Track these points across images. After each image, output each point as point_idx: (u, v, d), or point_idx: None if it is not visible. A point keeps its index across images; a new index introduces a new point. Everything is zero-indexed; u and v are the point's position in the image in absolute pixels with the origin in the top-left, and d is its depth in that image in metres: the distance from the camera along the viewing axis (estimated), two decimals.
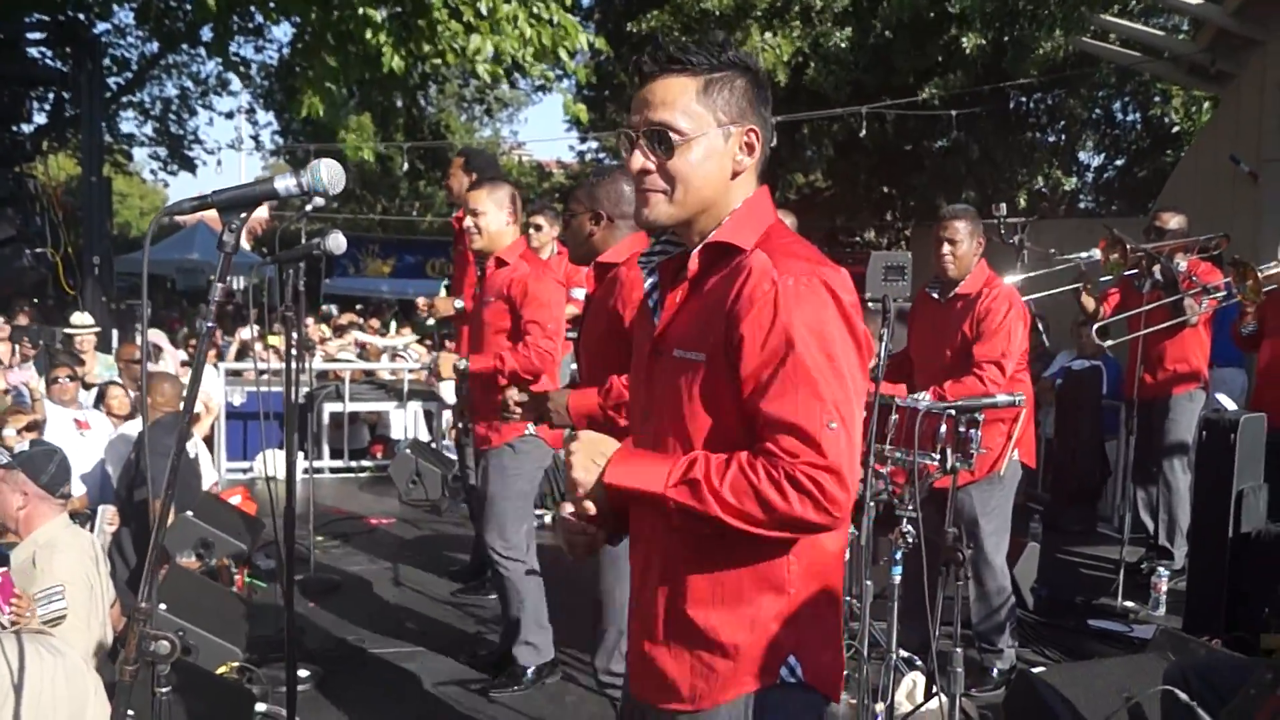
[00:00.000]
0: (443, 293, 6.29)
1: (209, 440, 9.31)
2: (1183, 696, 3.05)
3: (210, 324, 2.10)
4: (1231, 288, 5.88)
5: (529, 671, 4.94)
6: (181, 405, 6.88)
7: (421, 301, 6.15)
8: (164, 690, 2.10)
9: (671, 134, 1.98)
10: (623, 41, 16.38)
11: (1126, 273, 6.31)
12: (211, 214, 2.13)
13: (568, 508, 2.06)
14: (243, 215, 2.08)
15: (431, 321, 6.56)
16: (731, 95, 2.01)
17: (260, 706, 4.52)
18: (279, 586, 4.57)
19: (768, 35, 14.02)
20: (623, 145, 2.08)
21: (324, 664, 5.16)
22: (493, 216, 4.90)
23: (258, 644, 5.08)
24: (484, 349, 4.90)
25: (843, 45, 13.81)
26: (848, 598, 4.77)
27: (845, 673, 4.55)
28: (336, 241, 4.49)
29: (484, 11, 8.28)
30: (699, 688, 2.00)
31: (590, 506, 1.99)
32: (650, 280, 2.18)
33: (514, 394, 4.07)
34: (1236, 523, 5.48)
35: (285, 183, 2.08)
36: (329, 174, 2.10)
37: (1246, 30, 9.47)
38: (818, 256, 2.00)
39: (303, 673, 4.90)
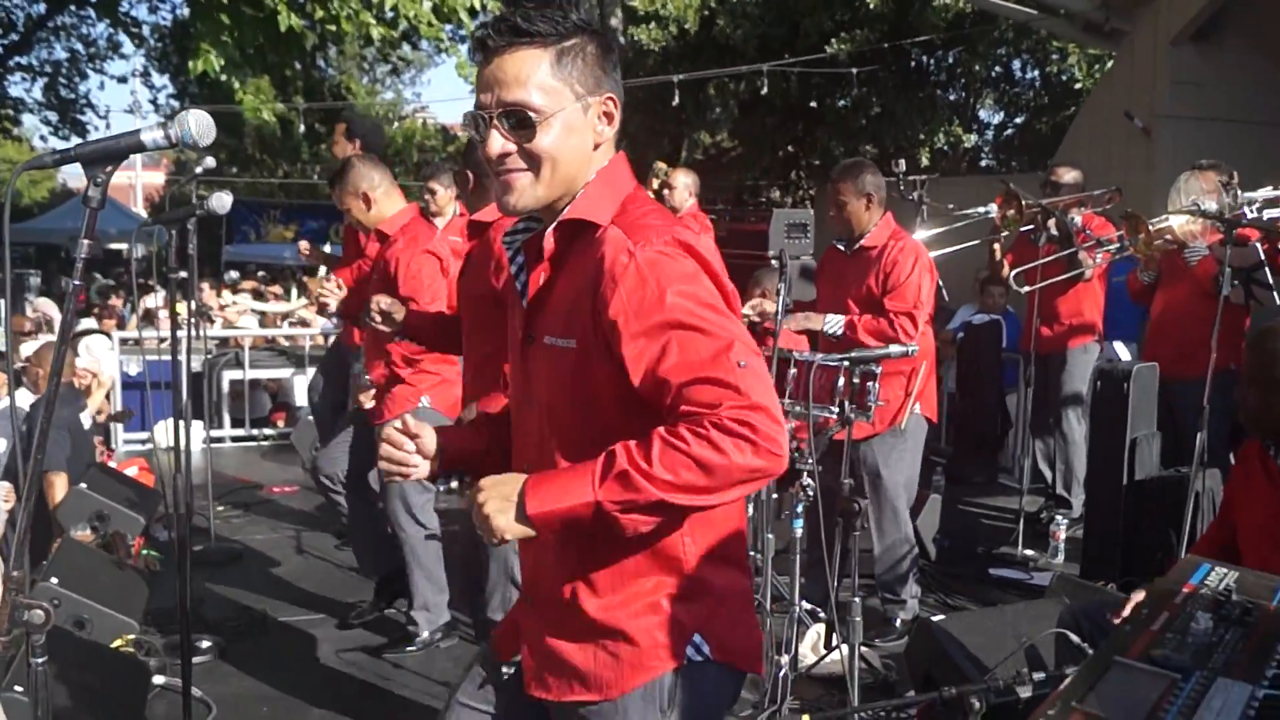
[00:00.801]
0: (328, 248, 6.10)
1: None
2: (1074, 639, 3.11)
3: (76, 282, 2.01)
4: (1124, 241, 5.98)
5: (423, 634, 4.94)
6: (73, 377, 6.72)
7: (303, 245, 6.02)
8: (40, 661, 2.03)
9: (530, 113, 1.88)
10: (518, 2, 16.18)
11: (1023, 228, 6.39)
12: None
13: (395, 424, 2.07)
14: (108, 169, 1.99)
15: (322, 272, 6.32)
16: (585, 64, 1.92)
17: (158, 679, 4.44)
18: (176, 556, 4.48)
19: None
20: (469, 128, 1.97)
21: (225, 634, 5.07)
22: (355, 208, 4.86)
23: (156, 616, 5.00)
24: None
25: (750, 1, 13.80)
26: (751, 553, 4.81)
27: None
28: (221, 201, 4.35)
29: None
30: (605, 677, 1.94)
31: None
32: (516, 262, 2.09)
33: (383, 301, 3.89)
34: (1131, 470, 5.61)
35: (152, 134, 1.98)
36: (197, 125, 2.01)
37: None
38: (672, 220, 1.93)
39: (203, 643, 4.83)
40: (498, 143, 1.90)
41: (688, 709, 1.93)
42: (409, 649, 4.91)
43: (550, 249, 1.96)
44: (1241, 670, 1.55)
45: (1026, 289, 6.32)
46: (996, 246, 6.58)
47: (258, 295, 14.34)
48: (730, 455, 1.73)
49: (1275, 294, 5.29)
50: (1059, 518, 6.39)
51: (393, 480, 2.15)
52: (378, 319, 3.74)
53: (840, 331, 4.88)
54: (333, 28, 9.25)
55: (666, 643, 1.91)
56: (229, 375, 10.00)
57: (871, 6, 13.14)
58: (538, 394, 1.98)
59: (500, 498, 1.82)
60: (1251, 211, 5.30)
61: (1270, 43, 9.48)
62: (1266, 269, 5.25)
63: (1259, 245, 5.32)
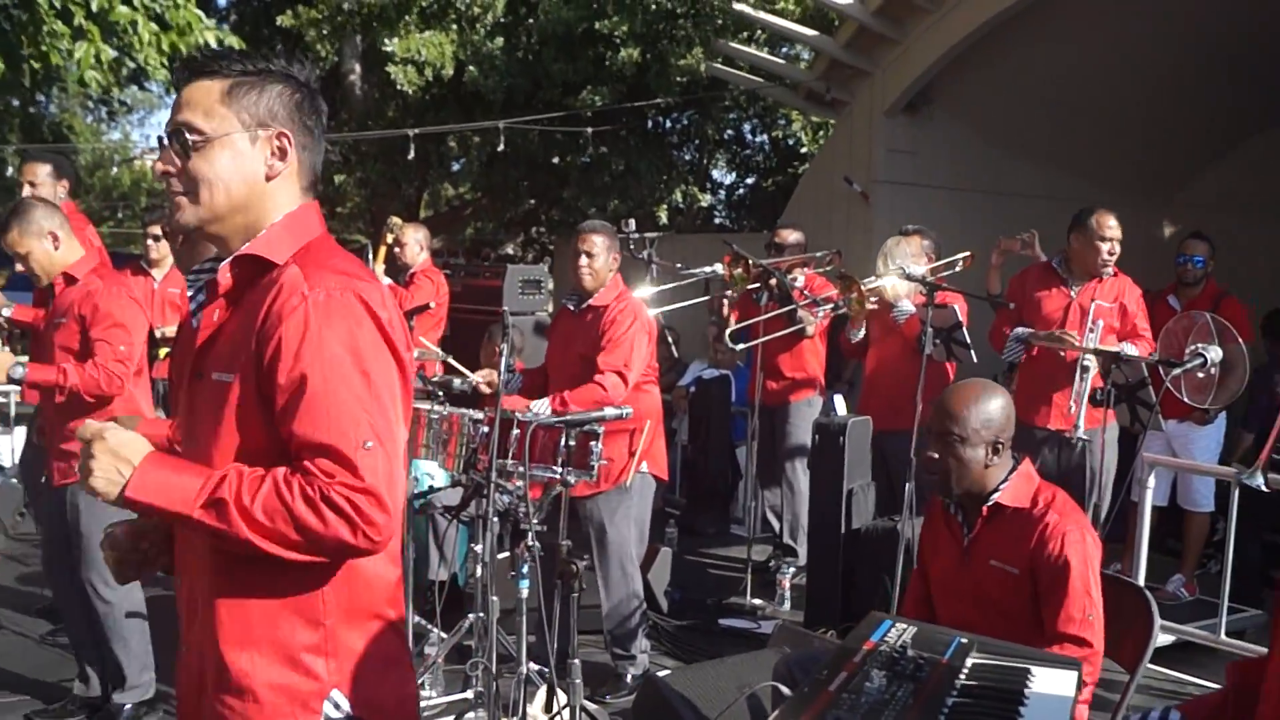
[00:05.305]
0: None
1: None
2: (785, 690, 3.22)
3: None
4: (840, 300, 6.28)
5: (126, 709, 4.66)
6: None
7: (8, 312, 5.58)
8: None
9: (191, 134, 1.92)
10: (263, 41, 15.78)
11: (750, 286, 6.62)
12: None
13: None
14: None
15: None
16: (261, 98, 1.96)
17: None
18: None
19: (428, 33, 13.89)
20: (158, 149, 1.98)
21: None
22: (37, 251, 4.49)
23: None
24: None
25: (496, 54, 13.89)
26: (481, 614, 4.76)
27: (479, 690, 4.60)
28: None
29: (95, 10, 7.69)
30: None
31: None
32: (196, 300, 2.05)
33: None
34: (848, 519, 5.87)
35: None
36: None
37: (856, 62, 10.22)
38: (356, 270, 1.94)
39: None
40: (161, 162, 1.94)
41: None
42: None
43: (225, 284, 1.96)
44: None
45: (741, 346, 6.56)
46: (726, 302, 6.80)
47: None
48: (327, 527, 1.77)
49: (972, 352, 5.67)
50: (785, 566, 6.60)
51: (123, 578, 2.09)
52: None
53: (547, 412, 4.90)
54: (38, 65, 8.66)
55: (302, 698, 1.89)
56: None
57: (616, 67, 13.45)
58: (200, 431, 1.94)
59: (115, 461, 1.80)
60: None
61: (971, 115, 10.22)
62: (964, 329, 5.63)
63: (957, 308, 5.70)
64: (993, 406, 3.25)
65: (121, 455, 1.81)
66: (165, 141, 1.94)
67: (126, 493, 1.79)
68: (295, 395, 1.81)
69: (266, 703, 1.87)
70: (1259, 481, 4.24)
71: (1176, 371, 4.88)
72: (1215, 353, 4.86)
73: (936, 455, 3.24)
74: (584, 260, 5.10)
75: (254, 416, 1.87)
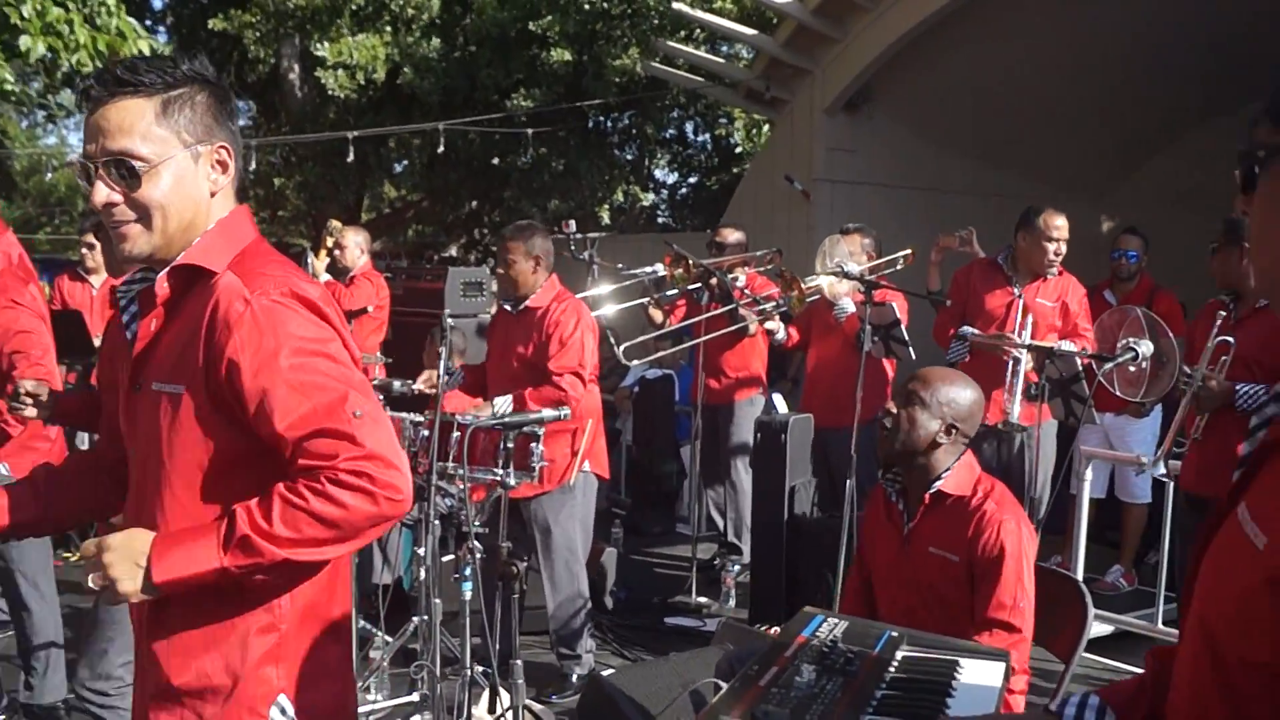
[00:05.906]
0: None
1: None
2: (725, 686, 3.23)
3: None
4: (780, 299, 6.32)
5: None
6: None
7: None
8: None
9: (135, 162, 1.88)
10: (199, 43, 15.61)
11: (690, 286, 6.65)
12: None
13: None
14: None
15: None
16: (194, 113, 1.93)
17: None
18: None
19: (360, 36, 13.81)
20: (79, 176, 1.94)
21: None
22: None
23: None
24: None
25: (431, 55, 13.83)
26: (425, 617, 4.76)
27: (424, 692, 4.59)
28: None
29: (26, 15, 7.60)
30: None
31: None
32: (129, 311, 2.05)
33: (28, 384, 3.61)
34: (791, 516, 5.91)
35: None
36: None
37: (796, 60, 10.28)
38: (292, 271, 1.96)
39: None
40: (103, 193, 1.89)
41: None
42: None
43: (164, 294, 1.94)
44: (837, 718, 1.66)
45: (637, 362, 6.58)
46: (653, 311, 6.84)
47: None
48: (350, 508, 1.78)
49: (910, 349, 5.74)
50: (730, 564, 6.63)
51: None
52: (29, 403, 3.47)
53: (510, 409, 4.92)
54: None
55: (250, 702, 1.90)
56: None
57: (550, 66, 13.44)
58: (146, 442, 1.94)
59: (129, 561, 1.79)
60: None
61: (911, 112, 10.32)
62: (903, 327, 5.69)
63: (896, 305, 5.76)
64: (963, 394, 3.33)
65: (132, 549, 1.81)
66: (102, 170, 1.89)
67: (154, 580, 1.78)
68: (270, 399, 1.82)
69: (227, 702, 1.89)
70: (1160, 470, 4.34)
71: (1109, 366, 4.95)
72: (1146, 347, 4.94)
73: (894, 410, 3.29)
74: (501, 270, 5.13)
75: (207, 425, 1.88)
